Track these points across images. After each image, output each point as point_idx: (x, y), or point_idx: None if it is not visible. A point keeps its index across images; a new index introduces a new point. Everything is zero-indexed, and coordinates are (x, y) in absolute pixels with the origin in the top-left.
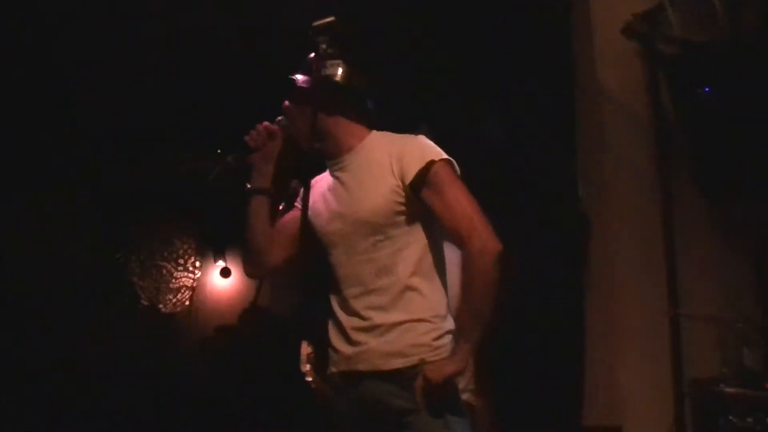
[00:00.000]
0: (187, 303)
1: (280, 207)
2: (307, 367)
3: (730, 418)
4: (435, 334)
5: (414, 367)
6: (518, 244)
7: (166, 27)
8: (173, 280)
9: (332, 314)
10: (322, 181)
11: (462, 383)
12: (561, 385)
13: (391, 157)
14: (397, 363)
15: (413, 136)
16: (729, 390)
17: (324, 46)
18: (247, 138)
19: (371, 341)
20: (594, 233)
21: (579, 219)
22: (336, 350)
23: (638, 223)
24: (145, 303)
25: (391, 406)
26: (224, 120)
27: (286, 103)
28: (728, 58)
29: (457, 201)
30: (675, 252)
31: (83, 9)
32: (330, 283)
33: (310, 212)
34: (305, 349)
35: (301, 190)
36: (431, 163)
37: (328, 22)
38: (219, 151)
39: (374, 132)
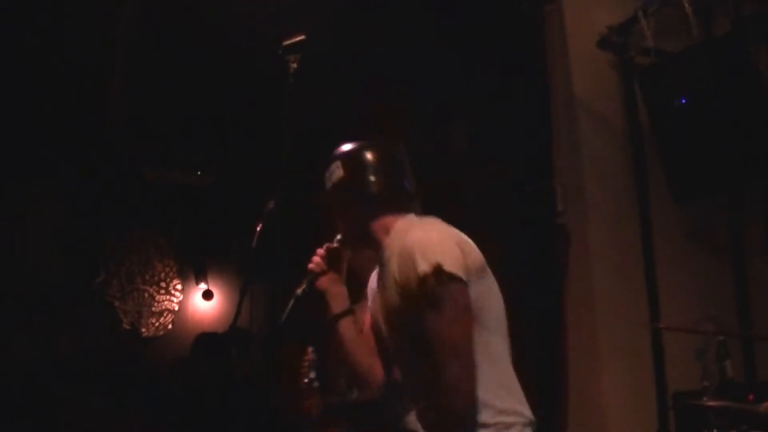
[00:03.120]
0: (170, 326)
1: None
2: (312, 374)
3: (714, 431)
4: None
5: None
6: (497, 258)
7: (137, 30)
8: (155, 304)
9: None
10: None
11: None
12: (543, 400)
13: (394, 265)
14: None
15: (415, 233)
16: (712, 403)
17: (294, 65)
18: (311, 266)
19: None
20: (572, 244)
21: (557, 231)
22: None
23: (616, 234)
24: (127, 327)
25: None
26: (199, 130)
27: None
28: (701, 67)
29: (434, 331)
30: (654, 264)
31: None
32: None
33: (370, 306)
34: (310, 355)
35: (302, 287)
36: (424, 276)
37: (299, 41)
38: (198, 172)
39: (399, 221)
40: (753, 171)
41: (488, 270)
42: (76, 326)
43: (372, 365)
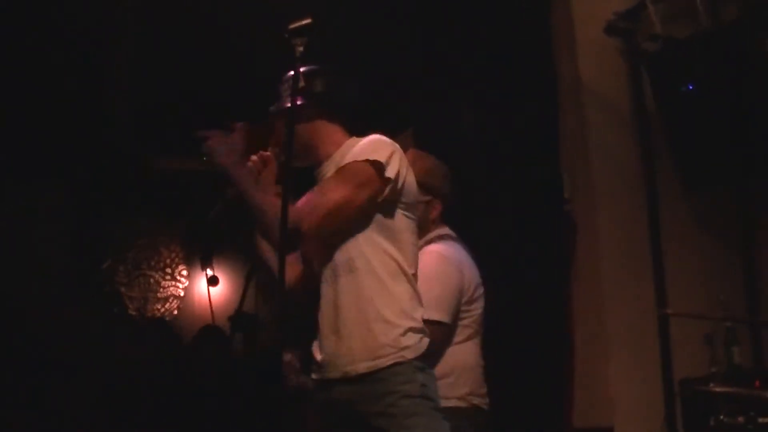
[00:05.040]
0: (176, 312)
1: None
2: (287, 373)
3: (721, 417)
4: (396, 333)
5: (381, 370)
6: (505, 245)
7: (141, 25)
8: (161, 290)
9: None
10: None
11: (466, 389)
12: (551, 387)
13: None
14: (362, 367)
15: (369, 138)
16: (719, 389)
17: (301, 48)
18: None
19: (338, 346)
20: (580, 232)
21: (565, 219)
22: (314, 357)
23: (624, 222)
24: (133, 312)
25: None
26: (205, 122)
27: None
28: (709, 53)
29: (321, 192)
30: (661, 250)
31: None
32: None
33: None
34: (285, 357)
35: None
36: (354, 162)
37: (305, 24)
38: (204, 158)
39: (352, 138)
40: (761, 158)
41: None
42: (83, 313)
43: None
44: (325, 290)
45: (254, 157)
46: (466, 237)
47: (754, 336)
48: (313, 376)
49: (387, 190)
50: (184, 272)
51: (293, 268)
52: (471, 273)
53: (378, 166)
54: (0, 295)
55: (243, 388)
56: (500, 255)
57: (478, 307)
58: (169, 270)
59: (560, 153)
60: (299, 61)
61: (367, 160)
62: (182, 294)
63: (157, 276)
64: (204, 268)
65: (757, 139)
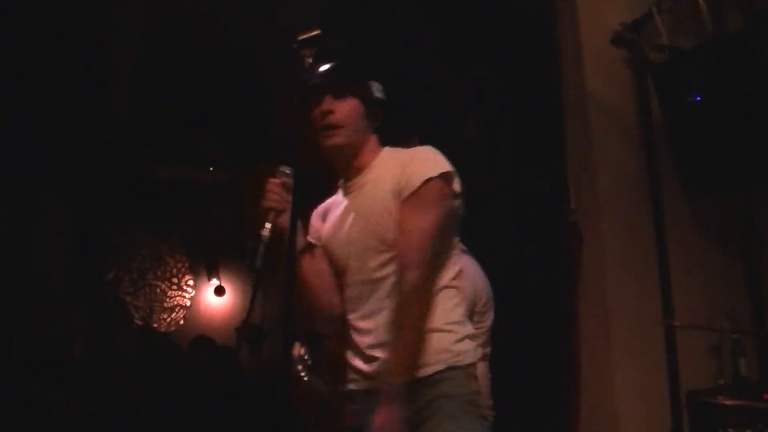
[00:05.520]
0: (182, 322)
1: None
2: (299, 366)
3: (729, 430)
4: (453, 338)
5: (436, 374)
6: (510, 255)
7: (143, 29)
8: (167, 299)
9: (345, 334)
10: (337, 206)
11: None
12: (556, 398)
13: (395, 176)
14: (417, 373)
15: (419, 149)
16: (726, 401)
17: (309, 59)
18: (269, 203)
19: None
20: (585, 242)
21: (570, 229)
22: (354, 369)
23: (629, 232)
24: (139, 322)
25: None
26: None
27: (333, 104)
28: (715, 63)
29: (422, 230)
30: (668, 262)
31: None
32: (345, 305)
33: (328, 239)
34: (297, 349)
35: (267, 228)
36: (429, 180)
37: (314, 35)
38: (211, 168)
39: (387, 148)
40: (767, 168)
41: None
42: (88, 323)
43: (332, 298)
44: (375, 301)
45: (273, 187)
46: (470, 247)
47: (761, 348)
48: (351, 386)
49: (456, 203)
50: (191, 282)
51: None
52: (482, 286)
53: (449, 177)
54: (1, 296)
55: (237, 398)
56: (505, 265)
57: (487, 320)
58: (175, 280)
59: (566, 163)
60: (307, 73)
61: (440, 176)
62: (188, 304)
63: (163, 286)
64: (210, 279)
65: (764, 149)
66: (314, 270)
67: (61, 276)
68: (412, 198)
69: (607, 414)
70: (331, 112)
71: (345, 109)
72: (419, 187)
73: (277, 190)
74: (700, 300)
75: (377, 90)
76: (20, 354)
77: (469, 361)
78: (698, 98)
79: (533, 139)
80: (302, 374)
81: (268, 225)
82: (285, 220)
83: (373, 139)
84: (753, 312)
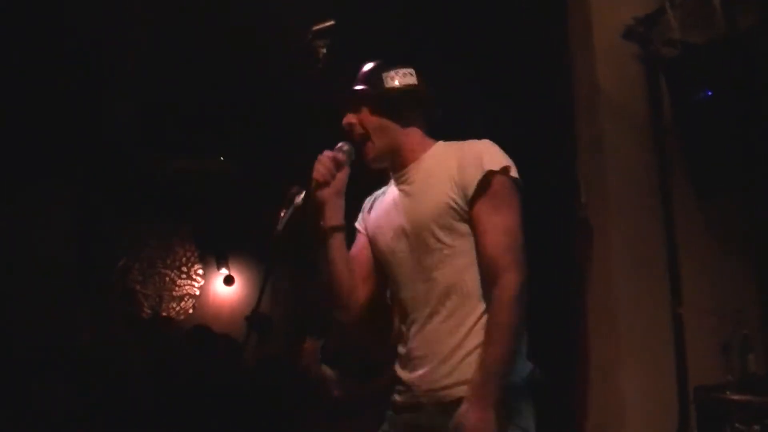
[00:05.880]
0: (191, 311)
1: (281, 214)
2: (311, 359)
3: (737, 425)
4: None
5: None
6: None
7: (154, 26)
8: (176, 288)
9: (397, 339)
10: (386, 196)
11: None
12: (562, 394)
13: (451, 169)
14: (461, 391)
15: (477, 141)
16: (734, 397)
17: (323, 50)
18: (316, 174)
19: (437, 367)
20: (593, 238)
21: (580, 224)
22: (400, 378)
23: (638, 228)
24: (148, 311)
25: None
26: (220, 120)
27: (352, 118)
28: (727, 59)
29: (506, 228)
30: (677, 258)
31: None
32: (392, 305)
33: (374, 230)
34: (312, 343)
35: (300, 196)
36: (490, 173)
37: (328, 26)
38: (221, 157)
39: (440, 142)
40: None
41: None
42: (97, 312)
43: (355, 287)
44: (420, 311)
45: (325, 159)
46: None
47: None
48: (397, 398)
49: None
50: (200, 271)
51: (362, 281)
52: None
53: (512, 170)
54: (5, 295)
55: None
56: None
57: None
58: (184, 269)
59: (576, 158)
60: (321, 63)
61: (504, 169)
62: (197, 293)
63: (172, 275)
64: (220, 268)
65: None
66: (342, 253)
67: (66, 269)
68: (483, 196)
69: (614, 409)
70: (351, 125)
71: (363, 120)
72: (488, 184)
73: (327, 163)
74: (709, 296)
75: (392, 79)
76: (21, 353)
77: (519, 380)
78: (709, 93)
79: (543, 134)
80: (312, 368)
81: (303, 193)
82: (326, 194)
83: (414, 132)
84: (762, 308)
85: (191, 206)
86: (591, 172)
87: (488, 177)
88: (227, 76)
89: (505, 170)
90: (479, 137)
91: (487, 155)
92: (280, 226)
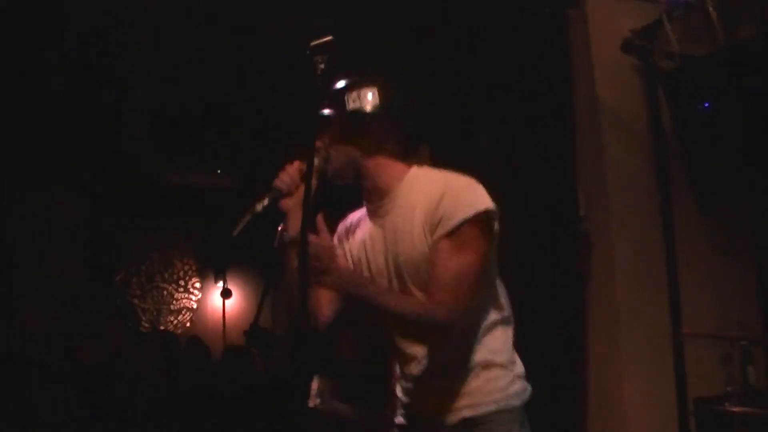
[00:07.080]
0: (188, 324)
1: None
2: (317, 400)
3: None
4: (506, 380)
5: (483, 416)
6: (519, 263)
7: (154, 34)
8: (174, 302)
9: (391, 362)
10: (361, 224)
11: None
12: (565, 406)
13: (427, 211)
14: (466, 413)
15: (455, 178)
16: (734, 409)
17: (322, 66)
18: (277, 182)
19: (438, 389)
20: (594, 251)
21: (580, 237)
22: (397, 398)
23: (639, 240)
24: (146, 325)
25: None
26: (218, 134)
27: (319, 142)
28: (725, 72)
29: (458, 271)
30: (677, 269)
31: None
32: (382, 329)
33: (351, 259)
34: (315, 383)
35: (262, 203)
36: (464, 223)
37: (326, 41)
38: (218, 171)
39: (413, 169)
40: None
41: None
42: (97, 326)
43: (319, 299)
44: (414, 347)
45: (291, 169)
46: None
47: None
48: (397, 420)
49: (494, 244)
50: (198, 285)
51: (327, 299)
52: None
53: (487, 217)
54: (13, 303)
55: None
56: (514, 273)
57: None
58: (182, 282)
59: (576, 171)
60: (320, 79)
61: (476, 216)
62: (195, 306)
63: (170, 288)
64: (217, 281)
65: None
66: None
67: (72, 278)
68: (446, 239)
69: (616, 420)
70: (317, 149)
71: (328, 145)
72: (454, 229)
73: (292, 173)
74: (710, 308)
75: (353, 101)
76: (26, 357)
77: (519, 403)
78: (707, 105)
79: (544, 147)
80: (325, 400)
81: (265, 201)
82: (289, 204)
83: (381, 160)
84: (762, 320)
85: (189, 220)
86: (591, 184)
87: (460, 226)
88: (230, 87)
89: (478, 217)
90: (480, 152)
91: (465, 201)
92: (235, 231)
